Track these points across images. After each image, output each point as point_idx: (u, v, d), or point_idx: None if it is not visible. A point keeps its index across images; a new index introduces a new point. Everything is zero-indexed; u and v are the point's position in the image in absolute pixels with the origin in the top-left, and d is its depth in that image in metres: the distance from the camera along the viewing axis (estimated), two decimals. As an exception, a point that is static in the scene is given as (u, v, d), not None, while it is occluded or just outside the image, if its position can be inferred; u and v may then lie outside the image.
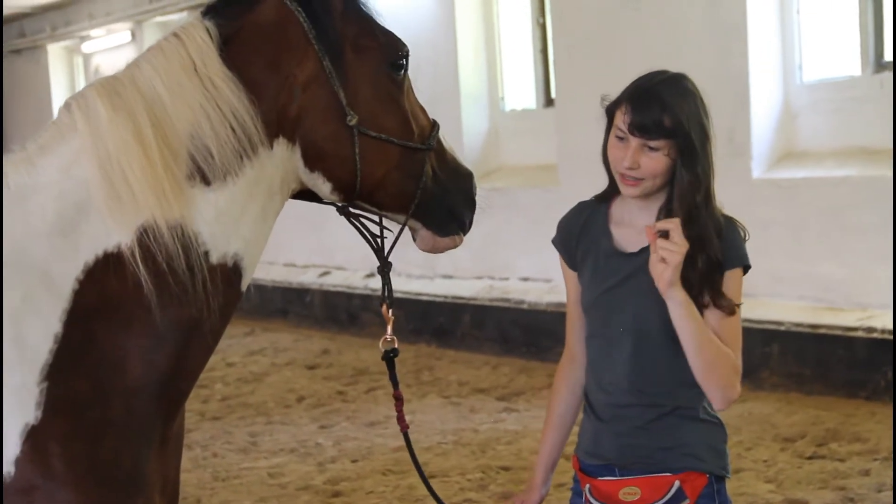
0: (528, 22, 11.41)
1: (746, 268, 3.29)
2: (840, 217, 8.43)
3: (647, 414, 3.29)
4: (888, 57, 8.54)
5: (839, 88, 8.83)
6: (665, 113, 3.16)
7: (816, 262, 8.47)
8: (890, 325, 7.89)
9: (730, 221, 3.30)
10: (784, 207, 8.57)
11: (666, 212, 3.24)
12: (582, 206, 3.49)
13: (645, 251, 3.23)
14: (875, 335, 8.03)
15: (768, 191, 8.70)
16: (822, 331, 8.34)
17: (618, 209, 3.39)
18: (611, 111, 3.29)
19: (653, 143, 3.17)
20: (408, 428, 3.37)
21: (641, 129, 3.16)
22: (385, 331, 3.25)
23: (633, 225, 3.33)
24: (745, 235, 3.29)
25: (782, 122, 9.06)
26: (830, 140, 8.87)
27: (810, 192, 8.59)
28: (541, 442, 3.59)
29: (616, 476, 3.33)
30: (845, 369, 8.22)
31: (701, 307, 3.20)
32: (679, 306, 3.13)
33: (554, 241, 3.51)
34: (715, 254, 3.20)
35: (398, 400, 3.33)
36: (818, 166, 8.75)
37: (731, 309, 3.21)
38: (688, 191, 3.19)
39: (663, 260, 3.09)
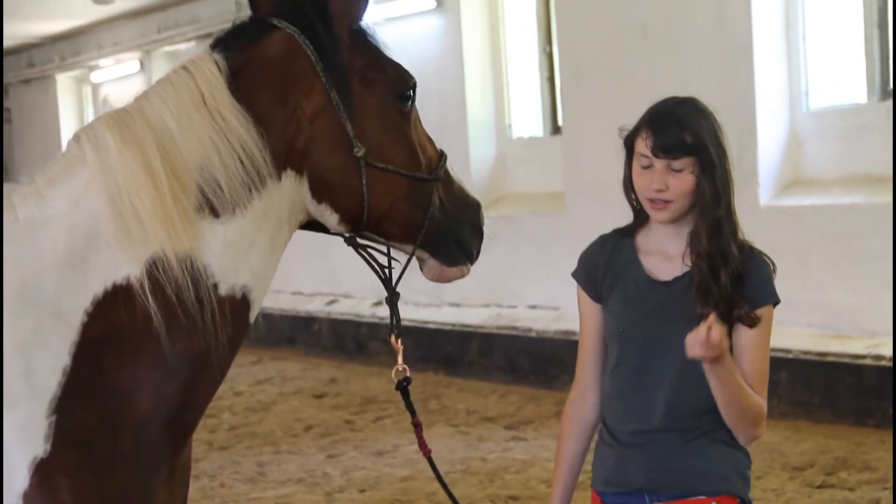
0: (535, 50, 11.44)
1: (775, 303, 3.35)
2: (847, 244, 8.42)
3: (681, 439, 3.31)
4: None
5: (845, 116, 8.84)
6: (684, 131, 3.22)
7: (824, 289, 8.46)
8: (899, 353, 7.87)
9: (758, 255, 3.34)
10: (791, 234, 8.56)
11: (693, 237, 3.28)
12: (604, 239, 3.50)
13: (679, 280, 3.30)
14: (883, 363, 8.00)
15: (776, 218, 8.70)
16: (831, 358, 8.32)
17: (644, 240, 3.41)
18: (630, 141, 3.34)
19: (677, 164, 3.22)
20: (431, 452, 3.36)
21: (665, 149, 3.22)
22: (395, 361, 3.26)
23: (663, 253, 3.36)
24: (773, 268, 3.34)
25: (789, 149, 9.07)
26: (837, 167, 8.87)
27: (817, 219, 8.59)
28: (553, 486, 3.56)
29: (646, 502, 3.33)
30: (854, 397, 8.19)
31: (728, 323, 3.23)
32: (721, 368, 3.16)
33: (575, 274, 3.51)
34: (736, 266, 3.25)
35: (417, 427, 3.33)
36: (825, 193, 8.75)
37: (752, 321, 3.26)
38: (711, 204, 3.24)
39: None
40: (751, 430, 3.30)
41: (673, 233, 3.34)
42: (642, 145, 3.26)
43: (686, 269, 3.32)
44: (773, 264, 3.37)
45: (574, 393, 3.50)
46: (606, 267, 3.42)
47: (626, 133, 3.36)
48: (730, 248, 3.26)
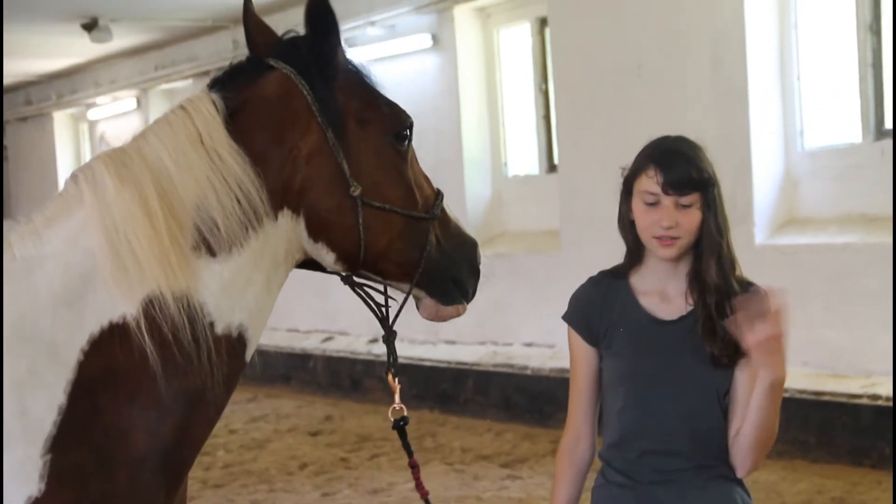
0: (531, 88, 11.48)
1: None
2: (843, 284, 8.43)
3: (704, 475, 3.32)
4: (889, 125, 8.58)
5: (840, 155, 8.87)
6: (691, 167, 3.25)
7: (820, 328, 8.46)
8: None
9: (757, 291, 3.35)
10: (787, 273, 8.56)
11: (694, 275, 3.30)
12: (595, 281, 3.48)
13: (684, 319, 3.31)
14: (880, 402, 7.99)
15: (771, 257, 8.71)
16: (826, 398, 8.31)
17: (639, 281, 3.40)
18: (629, 180, 3.34)
19: (685, 200, 3.24)
20: (428, 494, 3.35)
21: (674, 185, 3.23)
22: (392, 399, 3.25)
23: (660, 293, 3.36)
24: None
25: (784, 188, 9.09)
26: (832, 207, 8.89)
27: (813, 258, 8.60)
28: None
29: None
30: (850, 437, 8.18)
31: (733, 360, 3.26)
32: (777, 382, 3.19)
33: (567, 317, 3.48)
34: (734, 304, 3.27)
35: (414, 468, 3.32)
36: (820, 232, 8.77)
37: None
38: (717, 239, 3.27)
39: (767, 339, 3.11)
40: (756, 463, 3.34)
41: (671, 271, 3.35)
42: (649, 183, 3.26)
43: (689, 307, 3.33)
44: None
45: (568, 436, 3.47)
46: (602, 310, 3.40)
47: (626, 171, 3.37)
48: (733, 284, 3.30)
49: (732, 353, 3.25)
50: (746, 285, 3.35)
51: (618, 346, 3.38)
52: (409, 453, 3.28)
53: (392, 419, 3.26)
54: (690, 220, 3.25)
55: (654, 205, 3.27)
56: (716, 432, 3.32)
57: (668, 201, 3.25)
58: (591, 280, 3.48)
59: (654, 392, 3.32)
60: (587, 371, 3.45)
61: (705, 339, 3.27)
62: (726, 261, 3.30)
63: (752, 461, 3.34)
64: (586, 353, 3.44)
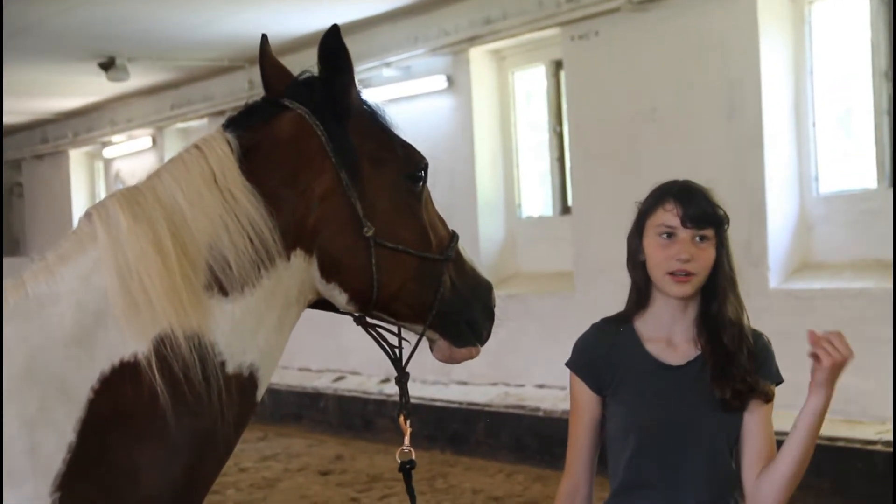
0: (545, 130, 11.51)
1: (780, 383, 3.37)
2: (857, 329, 8.37)
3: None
4: (903, 170, 8.58)
5: (855, 201, 8.86)
6: (710, 203, 3.27)
7: (834, 374, 8.41)
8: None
9: (759, 335, 3.37)
10: (801, 318, 8.53)
11: (703, 319, 3.28)
12: (600, 327, 3.45)
13: (692, 363, 3.30)
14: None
15: (785, 301, 8.69)
16: (841, 444, 8.26)
17: (644, 326, 3.38)
18: (644, 216, 3.33)
19: (704, 232, 3.24)
20: None
21: (695, 219, 3.23)
22: (402, 440, 3.23)
23: (666, 339, 3.34)
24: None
25: (798, 233, 9.09)
26: (846, 252, 8.87)
27: (827, 303, 8.57)
28: None
29: None
30: (864, 483, 8.12)
31: (743, 403, 3.27)
32: (826, 409, 3.23)
33: (571, 365, 3.45)
34: (751, 345, 3.30)
35: None
36: (835, 278, 8.74)
37: (769, 397, 3.30)
38: (731, 278, 3.29)
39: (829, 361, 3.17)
40: (790, 495, 3.33)
41: (679, 315, 3.32)
42: (666, 216, 3.25)
43: (697, 352, 3.31)
44: (771, 345, 3.40)
45: (566, 484, 3.43)
46: (609, 357, 3.37)
47: (640, 206, 3.36)
48: (746, 324, 3.32)
49: (746, 394, 3.24)
50: (763, 343, 3.35)
51: (625, 395, 3.35)
52: (412, 498, 3.25)
53: (399, 461, 3.23)
54: (706, 255, 3.25)
55: (670, 238, 3.25)
56: (732, 478, 3.31)
57: (685, 234, 3.24)
58: (595, 327, 3.46)
59: (667, 440, 3.29)
60: (589, 419, 3.42)
61: (715, 381, 3.25)
62: (740, 300, 3.31)
63: (783, 499, 3.32)
64: (590, 400, 3.41)
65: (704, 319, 3.30)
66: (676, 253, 3.23)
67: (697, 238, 3.24)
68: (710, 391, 3.26)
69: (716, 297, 3.28)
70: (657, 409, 3.31)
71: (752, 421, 3.29)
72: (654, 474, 3.30)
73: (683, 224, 3.23)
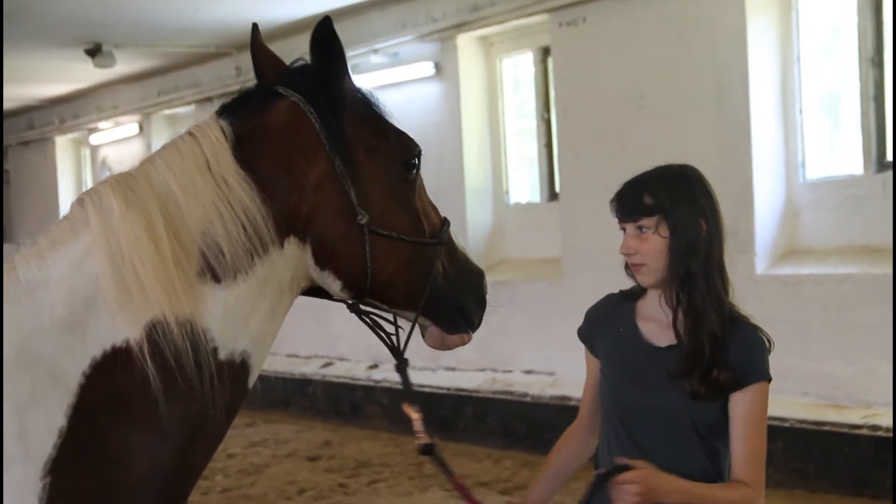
0: (533, 117, 11.51)
1: (768, 380, 3.35)
2: (844, 314, 8.43)
3: None
4: (890, 157, 8.61)
5: (841, 187, 8.89)
6: (644, 192, 3.31)
7: (821, 359, 8.46)
8: None
9: (750, 329, 3.36)
10: (788, 304, 8.58)
11: (676, 302, 3.31)
12: (609, 298, 3.59)
13: (673, 348, 3.34)
14: (880, 433, 7.99)
15: (772, 287, 8.72)
16: (827, 428, 8.30)
17: (643, 305, 3.47)
18: None
19: (641, 223, 3.30)
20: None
21: (624, 212, 3.34)
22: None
23: (658, 320, 3.40)
24: (769, 346, 3.36)
25: (785, 219, 9.11)
26: (833, 238, 8.91)
27: (814, 288, 8.61)
28: (530, 488, 3.58)
29: None
30: (850, 467, 8.16)
31: (711, 390, 3.26)
32: (673, 496, 3.18)
33: (578, 330, 3.61)
34: (713, 328, 3.28)
35: (461, 489, 3.34)
36: (821, 263, 8.77)
37: (734, 384, 3.27)
38: (679, 259, 3.29)
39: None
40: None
41: (663, 301, 3.38)
42: (616, 215, 3.39)
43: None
44: (770, 341, 3.37)
45: (576, 423, 3.62)
46: (604, 328, 3.51)
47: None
48: (704, 307, 3.29)
49: (710, 387, 3.26)
50: (737, 319, 3.35)
51: (606, 366, 3.47)
52: (450, 474, 3.28)
53: (419, 446, 3.25)
54: (648, 245, 3.31)
55: (624, 232, 3.37)
56: (702, 467, 3.31)
57: (629, 228, 3.34)
58: (607, 297, 3.60)
59: (634, 419, 3.36)
60: (593, 379, 3.56)
61: (681, 370, 3.28)
62: (696, 285, 3.29)
63: None
64: (592, 363, 3.57)
65: (682, 307, 3.34)
66: (622, 248, 3.35)
67: (638, 229, 3.30)
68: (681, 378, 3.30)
69: (683, 284, 3.30)
70: (632, 386, 3.38)
71: (732, 421, 3.30)
72: (626, 451, 3.33)
73: (620, 220, 3.36)
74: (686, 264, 3.28)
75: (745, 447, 3.27)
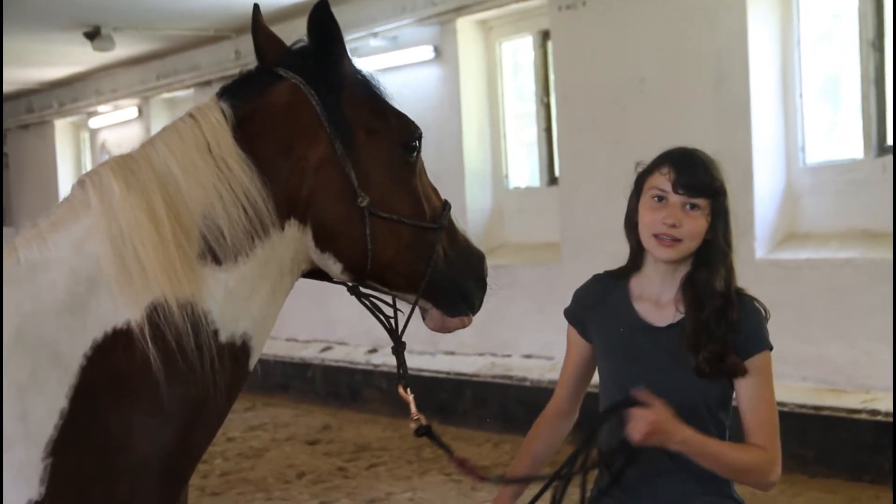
0: (533, 101, 11.50)
1: (770, 349, 3.37)
2: (843, 299, 8.43)
3: (689, 485, 3.31)
4: (890, 141, 8.60)
5: (842, 171, 8.89)
6: (707, 174, 3.29)
7: (820, 343, 8.47)
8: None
9: (749, 301, 3.37)
10: (787, 288, 8.58)
11: (689, 282, 3.30)
12: (597, 279, 3.55)
13: (673, 327, 3.33)
14: (879, 418, 8.00)
15: (772, 271, 8.72)
16: (826, 412, 8.31)
17: (637, 284, 3.44)
18: (642, 178, 3.37)
19: (696, 201, 3.26)
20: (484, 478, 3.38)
21: (688, 186, 3.26)
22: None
23: (654, 300, 3.38)
24: (766, 315, 3.37)
25: (785, 203, 9.11)
26: (833, 222, 8.91)
27: (814, 273, 8.61)
28: (514, 465, 3.59)
29: None
30: (849, 452, 8.18)
31: (720, 373, 3.28)
32: (683, 446, 3.19)
33: (566, 311, 3.58)
34: (734, 315, 3.29)
35: (463, 464, 3.34)
36: (821, 248, 8.78)
37: (741, 371, 3.30)
38: (724, 250, 3.32)
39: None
40: (757, 481, 3.37)
41: (669, 279, 3.37)
42: (661, 179, 3.30)
43: (680, 315, 3.34)
44: (766, 310, 3.39)
45: (550, 408, 3.59)
46: (597, 309, 3.47)
47: (641, 168, 3.39)
48: (733, 297, 3.32)
49: (716, 365, 3.26)
50: (740, 296, 3.36)
51: (606, 349, 3.44)
52: (448, 452, 3.29)
53: (413, 429, 3.25)
54: (695, 224, 3.27)
55: (661, 202, 3.28)
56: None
57: (676, 200, 3.28)
58: (595, 277, 3.56)
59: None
60: (577, 361, 3.56)
61: (690, 348, 3.28)
62: (732, 272, 3.32)
63: (750, 485, 3.42)
64: (578, 345, 3.55)
65: (691, 285, 3.33)
66: (664, 217, 3.27)
67: (688, 206, 3.26)
68: (686, 355, 3.30)
69: (707, 266, 3.31)
70: (634, 366, 3.37)
71: (738, 393, 3.32)
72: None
73: (675, 189, 3.27)
74: (727, 255, 3.32)
75: (755, 416, 3.31)
